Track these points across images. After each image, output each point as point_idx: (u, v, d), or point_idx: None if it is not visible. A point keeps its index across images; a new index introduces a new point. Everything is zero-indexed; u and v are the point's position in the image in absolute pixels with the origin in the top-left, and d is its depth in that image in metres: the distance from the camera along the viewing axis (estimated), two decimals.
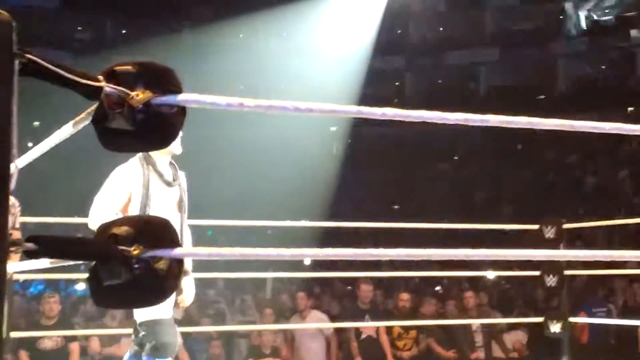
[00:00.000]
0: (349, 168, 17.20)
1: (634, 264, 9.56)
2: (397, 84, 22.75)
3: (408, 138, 17.31)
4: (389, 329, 7.81)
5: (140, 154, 3.95)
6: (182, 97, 1.85)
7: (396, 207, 15.98)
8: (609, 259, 2.74)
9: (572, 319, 6.58)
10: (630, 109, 18.71)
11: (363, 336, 7.85)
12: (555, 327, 6.30)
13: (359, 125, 18.37)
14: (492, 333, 8.18)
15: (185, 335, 7.43)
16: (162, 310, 3.82)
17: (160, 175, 3.96)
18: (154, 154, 3.97)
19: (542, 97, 21.80)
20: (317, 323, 7.71)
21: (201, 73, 21.91)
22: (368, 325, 7.68)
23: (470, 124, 2.33)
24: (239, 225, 7.40)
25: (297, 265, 9.40)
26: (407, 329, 7.84)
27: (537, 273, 6.59)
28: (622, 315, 8.27)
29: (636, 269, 8.98)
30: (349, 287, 9.73)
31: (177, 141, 3.96)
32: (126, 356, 4.08)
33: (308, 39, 20.50)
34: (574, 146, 17.40)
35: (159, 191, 3.91)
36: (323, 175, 17.46)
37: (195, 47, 22.98)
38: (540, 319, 6.54)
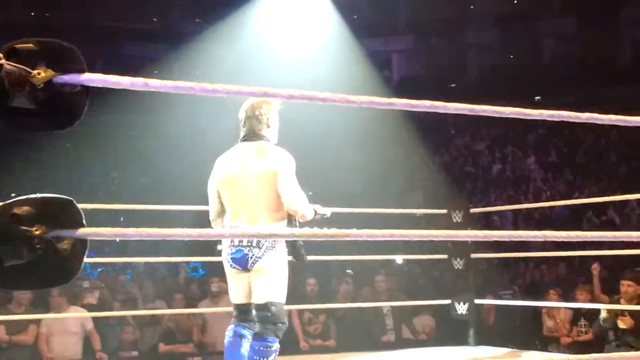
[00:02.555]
0: None
1: (538, 247, 9.89)
2: (310, 70, 22.80)
3: (321, 125, 17.39)
4: (300, 314, 7.88)
5: (264, 138, 4.00)
6: (85, 77, 1.83)
7: (310, 193, 16.10)
8: (510, 239, 2.84)
9: (478, 301, 6.77)
10: (537, 97, 19.25)
11: None
12: (462, 309, 6.48)
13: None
14: (402, 316, 8.34)
15: (97, 320, 7.37)
16: (285, 297, 3.93)
17: None
18: (270, 137, 4.05)
19: (453, 85, 22.22)
20: (228, 307, 7.74)
21: (114, 58, 21.57)
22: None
23: (376, 107, 2.38)
24: (152, 209, 7.33)
25: (211, 249, 9.35)
26: (316, 313, 7.92)
27: (445, 256, 6.76)
28: (527, 296, 8.54)
29: (541, 251, 9.30)
30: None
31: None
32: (232, 330, 4.03)
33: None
34: (483, 134, 17.82)
35: None
36: None
37: (108, 32, 22.56)
38: (447, 301, 6.70)
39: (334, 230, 2.39)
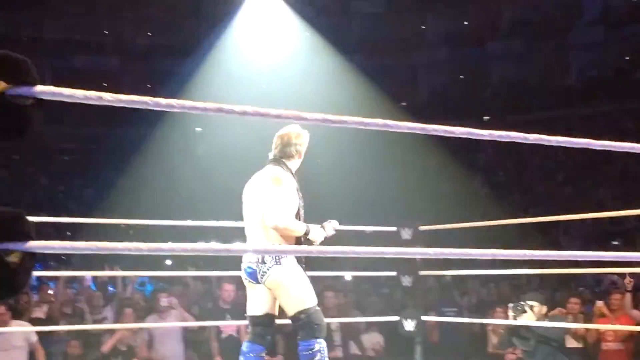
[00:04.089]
0: (211, 169, 17.15)
1: (487, 265, 10.01)
2: (263, 86, 22.85)
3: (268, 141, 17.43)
4: (247, 329, 7.82)
5: (281, 164, 4.22)
6: (38, 89, 1.81)
7: None
8: (460, 257, 2.88)
9: (425, 318, 6.81)
10: (485, 117, 19.48)
11: (224, 335, 7.84)
12: (409, 326, 6.51)
13: (226, 127, 18.31)
14: (350, 332, 8.34)
15: (43, 334, 7.23)
16: (314, 298, 4.19)
17: (298, 187, 4.23)
18: (292, 165, 4.27)
19: (404, 104, 22.40)
20: (177, 322, 7.67)
21: (65, 70, 21.32)
22: (229, 324, 7.68)
23: (329, 124, 2.40)
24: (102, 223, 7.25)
25: (158, 264, 9.29)
26: None
27: (393, 273, 6.79)
28: (474, 314, 8.61)
29: (489, 269, 9.41)
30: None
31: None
32: (246, 345, 4.31)
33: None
34: (433, 152, 17.98)
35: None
36: (186, 176, 17.31)
37: (60, 42, 22.34)
38: (395, 318, 6.73)
39: (284, 247, 2.41)
